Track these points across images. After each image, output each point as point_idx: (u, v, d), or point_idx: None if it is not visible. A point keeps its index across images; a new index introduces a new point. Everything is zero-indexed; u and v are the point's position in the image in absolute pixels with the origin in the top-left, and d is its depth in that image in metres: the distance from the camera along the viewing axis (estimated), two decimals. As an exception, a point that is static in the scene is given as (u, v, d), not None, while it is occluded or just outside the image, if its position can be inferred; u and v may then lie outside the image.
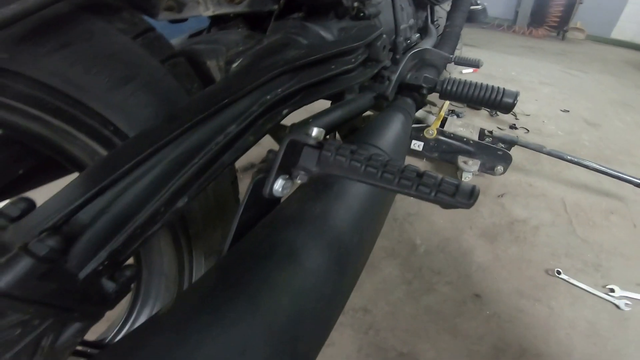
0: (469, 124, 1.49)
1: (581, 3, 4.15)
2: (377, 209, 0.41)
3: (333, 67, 0.51)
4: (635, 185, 1.22)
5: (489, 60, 3.09)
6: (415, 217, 1.17)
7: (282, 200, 0.39)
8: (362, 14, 0.62)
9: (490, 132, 1.41)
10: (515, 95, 0.80)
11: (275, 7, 0.51)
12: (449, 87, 0.82)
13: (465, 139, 1.35)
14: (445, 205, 0.29)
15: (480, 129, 1.44)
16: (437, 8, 1.58)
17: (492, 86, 0.82)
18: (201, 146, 0.36)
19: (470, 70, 2.70)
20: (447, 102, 1.66)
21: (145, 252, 0.54)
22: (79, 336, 0.30)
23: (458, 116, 1.86)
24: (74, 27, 0.33)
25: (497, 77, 2.68)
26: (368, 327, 0.79)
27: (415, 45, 1.16)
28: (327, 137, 0.72)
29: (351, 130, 0.74)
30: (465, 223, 1.14)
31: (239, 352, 0.24)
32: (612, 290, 0.90)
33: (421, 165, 1.50)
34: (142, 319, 0.57)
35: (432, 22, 1.47)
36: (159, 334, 0.24)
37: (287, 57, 0.47)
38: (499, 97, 0.80)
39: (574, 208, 1.24)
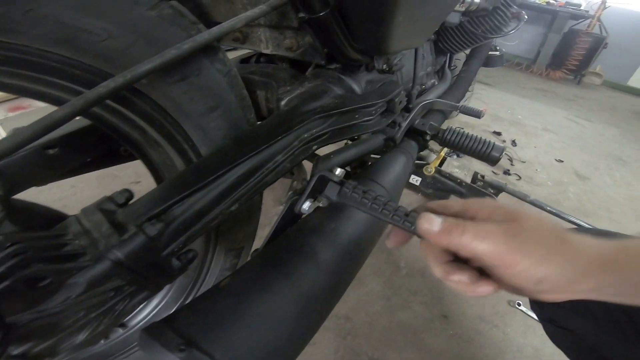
0: (466, 166, 1.63)
1: (605, 48, 4.08)
2: (373, 231, 0.54)
3: (357, 116, 0.64)
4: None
5: (500, 101, 3.24)
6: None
7: (304, 216, 0.52)
8: (387, 69, 0.75)
9: (483, 176, 1.55)
10: (502, 150, 0.93)
11: (322, 62, 0.64)
12: (448, 137, 0.96)
13: (459, 181, 1.49)
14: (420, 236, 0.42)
15: (475, 172, 1.57)
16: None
17: (485, 140, 0.95)
18: (257, 169, 0.48)
19: (480, 109, 2.86)
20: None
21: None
22: (142, 302, 0.40)
23: (458, 156, 2.00)
24: (191, 65, 0.45)
25: (504, 119, 2.81)
26: (347, 333, 0.91)
27: (429, 89, 1.30)
28: (346, 169, 0.84)
29: (360, 164, 0.87)
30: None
31: (279, 313, 0.36)
32: (560, 323, 1.04)
33: (416, 198, 1.63)
34: (161, 294, 0.69)
35: (450, 66, 1.61)
36: (224, 297, 0.36)
37: (324, 103, 0.60)
38: (487, 150, 0.93)
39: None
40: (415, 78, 0.90)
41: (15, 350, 0.32)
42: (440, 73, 1.58)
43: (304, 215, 0.52)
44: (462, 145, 0.95)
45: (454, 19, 1.05)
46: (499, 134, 2.49)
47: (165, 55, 0.37)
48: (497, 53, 1.97)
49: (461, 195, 1.50)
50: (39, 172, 0.60)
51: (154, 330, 0.33)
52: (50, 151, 0.60)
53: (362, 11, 0.53)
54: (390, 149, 0.88)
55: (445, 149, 1.73)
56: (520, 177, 1.94)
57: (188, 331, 0.32)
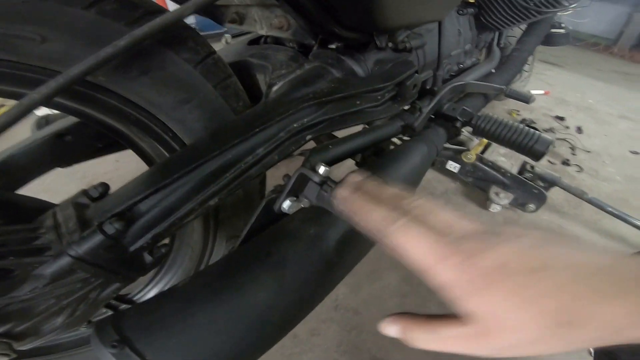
0: (515, 154, 1.44)
1: None
2: (361, 242, 0.49)
3: (358, 102, 0.57)
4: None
5: (568, 83, 2.82)
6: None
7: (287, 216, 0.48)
8: (404, 47, 0.66)
9: (532, 167, 1.36)
10: (548, 144, 0.79)
11: (313, 42, 0.57)
12: (482, 125, 0.83)
13: (503, 170, 1.33)
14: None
15: (523, 162, 1.39)
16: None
17: (528, 131, 0.81)
18: (233, 163, 0.45)
19: (541, 92, 2.51)
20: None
21: (181, 225, 0.66)
22: (115, 292, 0.42)
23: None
24: (152, 58, 0.43)
25: (571, 103, 2.45)
26: (353, 327, 0.88)
27: (470, 69, 1.15)
28: (357, 160, 0.76)
29: (376, 152, 0.80)
30: (479, 253, 1.16)
31: (222, 323, 0.34)
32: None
33: (454, 187, 1.50)
34: (165, 281, 0.70)
35: (499, 44, 1.41)
36: (173, 300, 0.35)
37: (317, 89, 0.55)
38: (530, 143, 0.80)
39: (601, 262, 1.18)
40: (440, 57, 0.78)
41: (3, 329, 0.36)
42: (488, 53, 1.39)
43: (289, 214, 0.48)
44: (498, 136, 0.82)
45: (497, -12, 0.88)
46: (561, 118, 2.17)
47: (110, 49, 0.35)
48: (562, 30, 1.66)
49: (504, 186, 1.34)
50: (58, 157, 0.65)
51: (100, 324, 0.33)
52: (66, 138, 0.64)
53: None
54: (412, 137, 0.80)
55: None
56: (581, 169, 1.69)
57: (127, 329, 0.32)
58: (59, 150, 0.64)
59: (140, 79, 0.42)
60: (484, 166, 1.37)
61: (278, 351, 0.82)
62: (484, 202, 1.39)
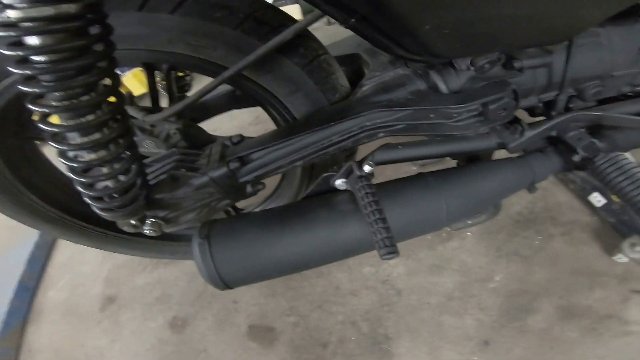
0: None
1: None
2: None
3: (432, 116, 0.62)
4: None
5: None
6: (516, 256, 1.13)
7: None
8: (512, 67, 0.65)
9: None
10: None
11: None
12: (603, 167, 0.71)
13: (657, 223, 1.04)
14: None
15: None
16: None
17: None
18: (315, 142, 0.63)
19: None
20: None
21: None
22: (226, 206, 0.67)
23: None
24: (272, 62, 0.62)
25: None
26: (387, 303, 1.00)
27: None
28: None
29: (470, 159, 0.81)
30: (564, 290, 1.02)
31: (269, 248, 0.55)
32: None
33: (586, 221, 1.25)
34: (271, 204, 0.99)
35: None
36: (246, 222, 0.58)
37: (392, 97, 0.64)
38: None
39: None
40: (563, 83, 0.69)
41: (161, 214, 0.61)
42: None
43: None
44: (615, 187, 0.69)
45: None
46: None
47: (251, 55, 0.56)
48: None
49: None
50: (229, 104, 0.98)
51: (203, 224, 0.58)
52: (237, 92, 0.94)
53: (390, 20, 0.49)
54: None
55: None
56: None
57: (212, 231, 0.56)
58: (230, 101, 0.96)
59: (267, 76, 0.64)
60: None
61: (320, 294, 1.05)
62: (612, 246, 1.14)
